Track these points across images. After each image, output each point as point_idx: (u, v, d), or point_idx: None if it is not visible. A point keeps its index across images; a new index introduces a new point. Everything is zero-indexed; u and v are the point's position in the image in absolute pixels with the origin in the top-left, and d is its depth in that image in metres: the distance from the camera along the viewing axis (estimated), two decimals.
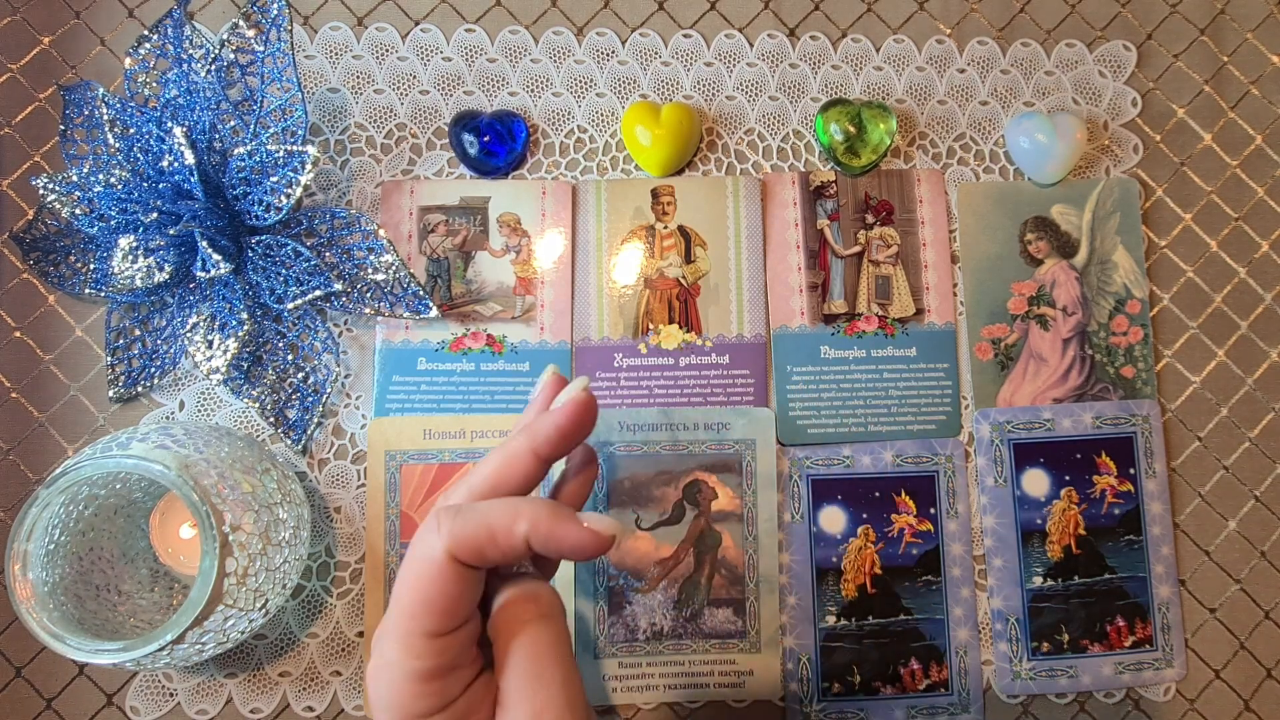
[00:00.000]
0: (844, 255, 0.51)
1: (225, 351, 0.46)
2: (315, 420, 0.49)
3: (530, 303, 0.50)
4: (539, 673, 0.27)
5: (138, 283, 0.45)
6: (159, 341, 0.49)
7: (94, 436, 0.49)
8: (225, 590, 0.38)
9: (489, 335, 0.50)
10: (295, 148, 0.45)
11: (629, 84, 0.53)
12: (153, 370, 0.49)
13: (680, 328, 0.50)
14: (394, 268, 0.47)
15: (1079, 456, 0.50)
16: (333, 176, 0.51)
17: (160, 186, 0.46)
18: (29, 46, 0.52)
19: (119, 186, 0.45)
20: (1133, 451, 0.50)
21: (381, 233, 0.47)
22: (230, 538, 0.38)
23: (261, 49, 0.46)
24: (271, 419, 0.49)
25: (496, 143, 0.50)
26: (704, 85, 0.53)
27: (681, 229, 0.51)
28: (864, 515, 0.49)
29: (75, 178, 0.46)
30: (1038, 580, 0.49)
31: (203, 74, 0.46)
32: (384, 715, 0.26)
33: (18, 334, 0.50)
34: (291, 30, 0.46)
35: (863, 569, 0.49)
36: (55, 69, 0.52)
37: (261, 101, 0.47)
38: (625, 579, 0.48)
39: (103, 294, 0.47)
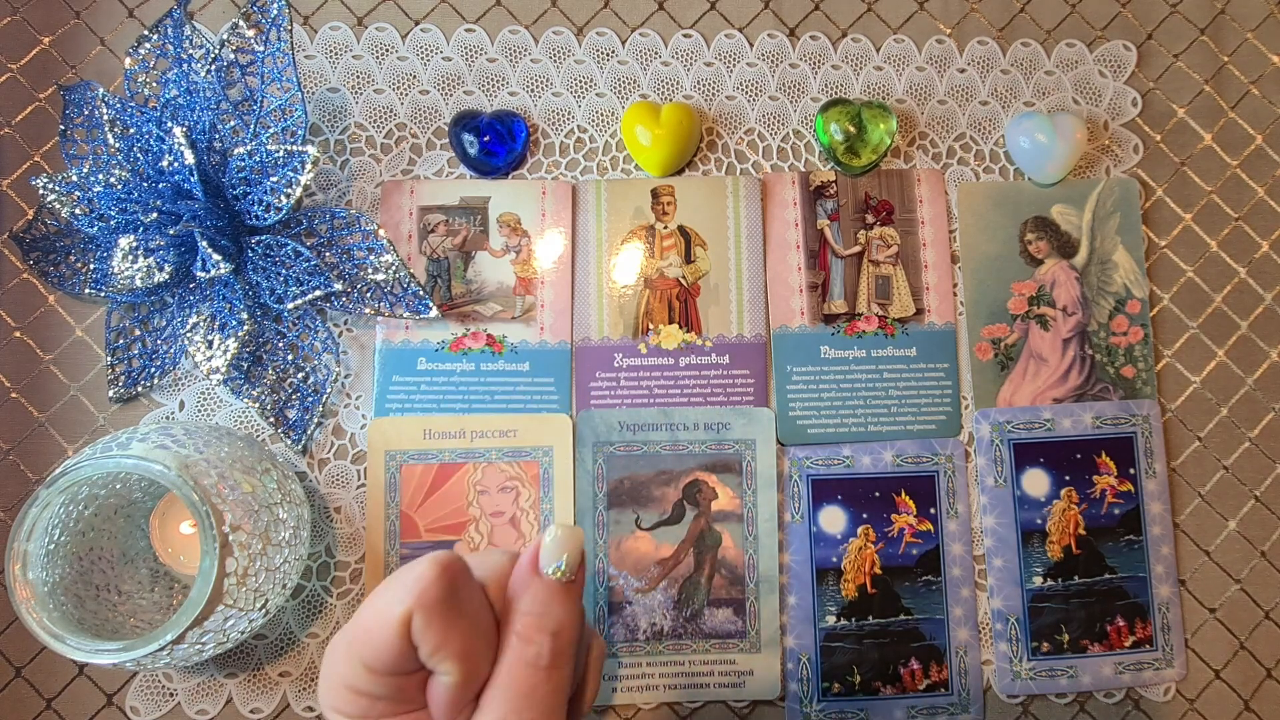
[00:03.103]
0: (844, 255, 0.51)
1: (225, 351, 0.46)
2: (315, 420, 0.49)
3: (530, 303, 0.50)
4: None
5: (138, 283, 0.45)
6: (159, 341, 0.49)
7: (94, 436, 0.49)
8: (225, 590, 0.38)
9: (489, 335, 0.50)
10: (295, 148, 0.45)
11: (629, 84, 0.53)
12: (153, 370, 0.49)
13: (680, 328, 0.50)
14: (394, 268, 0.47)
15: (1079, 456, 0.50)
16: (333, 176, 0.51)
17: (160, 186, 0.46)
18: (29, 46, 0.52)
19: (119, 186, 0.45)
20: (1133, 451, 0.50)
21: (381, 233, 0.47)
22: (230, 538, 0.38)
23: (261, 49, 0.46)
24: (271, 419, 0.49)
25: (496, 143, 0.50)
26: (704, 85, 0.53)
27: (681, 229, 0.51)
28: (864, 515, 0.49)
29: (75, 178, 0.45)
30: (1038, 580, 0.49)
31: (203, 74, 0.46)
32: (320, 685, 0.28)
33: (18, 334, 0.50)
34: (291, 30, 0.46)
35: (863, 569, 0.49)
36: (55, 69, 0.52)
37: (261, 101, 0.47)
38: (625, 579, 0.48)
39: (103, 294, 0.47)
